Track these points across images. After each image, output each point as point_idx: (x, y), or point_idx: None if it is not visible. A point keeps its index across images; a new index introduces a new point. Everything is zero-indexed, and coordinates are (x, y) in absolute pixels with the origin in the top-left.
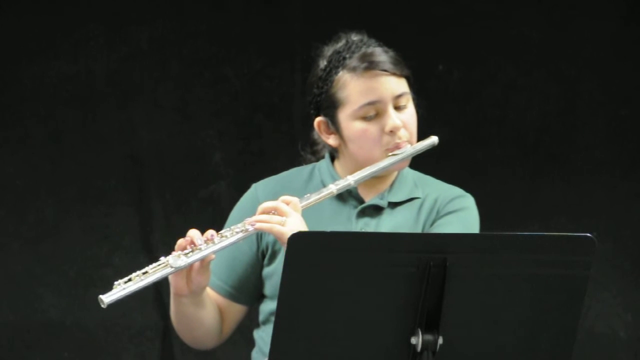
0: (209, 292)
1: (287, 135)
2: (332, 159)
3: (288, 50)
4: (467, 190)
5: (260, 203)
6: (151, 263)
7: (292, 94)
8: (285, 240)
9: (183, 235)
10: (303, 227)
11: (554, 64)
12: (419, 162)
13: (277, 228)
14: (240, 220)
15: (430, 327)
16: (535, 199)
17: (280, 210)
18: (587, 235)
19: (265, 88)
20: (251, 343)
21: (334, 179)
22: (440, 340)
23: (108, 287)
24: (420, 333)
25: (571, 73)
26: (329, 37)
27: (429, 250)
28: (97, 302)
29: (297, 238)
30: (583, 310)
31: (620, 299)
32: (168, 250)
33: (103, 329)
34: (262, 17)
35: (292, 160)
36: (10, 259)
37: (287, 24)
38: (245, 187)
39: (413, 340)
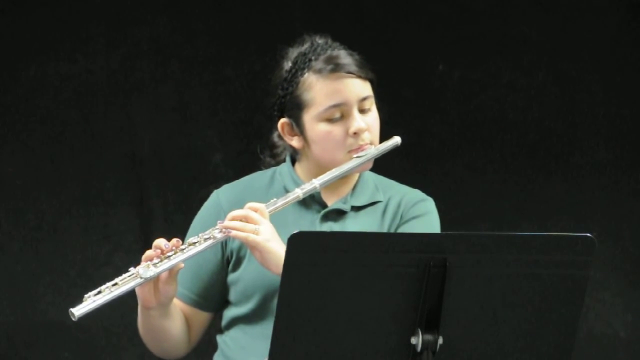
0: (175, 301)
1: None
2: (293, 162)
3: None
4: (467, 190)
5: (223, 210)
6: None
7: None
8: (261, 249)
9: (183, 235)
10: (275, 234)
11: (554, 64)
12: (418, 162)
13: (252, 237)
14: (203, 229)
15: (430, 327)
16: (535, 199)
17: (250, 218)
18: (587, 235)
19: (265, 88)
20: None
21: (296, 182)
22: (440, 340)
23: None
24: (420, 333)
25: (571, 73)
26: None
27: (429, 250)
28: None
29: (297, 238)
30: (583, 310)
31: (620, 299)
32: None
33: (103, 329)
34: (262, 17)
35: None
36: (10, 259)
37: (288, 24)
38: None
39: (413, 340)
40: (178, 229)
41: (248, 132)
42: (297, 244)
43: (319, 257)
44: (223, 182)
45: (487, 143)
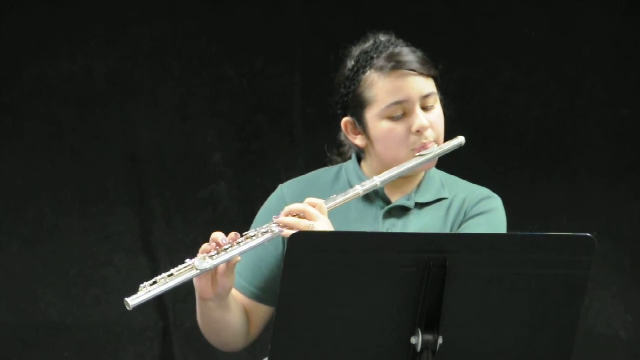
0: (235, 293)
1: (287, 135)
2: (359, 159)
3: (288, 50)
4: None
5: (286, 204)
6: (151, 263)
7: (292, 94)
8: None
9: (183, 235)
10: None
11: (554, 64)
12: None
13: None
14: (267, 222)
15: (430, 327)
16: (535, 199)
17: (307, 213)
18: (587, 235)
19: (265, 88)
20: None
21: (361, 179)
22: (440, 340)
23: (108, 287)
24: (420, 333)
25: (571, 73)
26: (329, 36)
27: (429, 250)
28: (97, 302)
29: (297, 238)
30: (583, 310)
31: (620, 299)
32: (168, 250)
33: (103, 329)
34: (262, 17)
35: (293, 160)
36: (10, 259)
37: (287, 23)
38: (246, 187)
39: (413, 340)
40: (178, 229)
41: (248, 132)
42: (297, 244)
43: (319, 257)
44: (223, 182)
45: (487, 143)
